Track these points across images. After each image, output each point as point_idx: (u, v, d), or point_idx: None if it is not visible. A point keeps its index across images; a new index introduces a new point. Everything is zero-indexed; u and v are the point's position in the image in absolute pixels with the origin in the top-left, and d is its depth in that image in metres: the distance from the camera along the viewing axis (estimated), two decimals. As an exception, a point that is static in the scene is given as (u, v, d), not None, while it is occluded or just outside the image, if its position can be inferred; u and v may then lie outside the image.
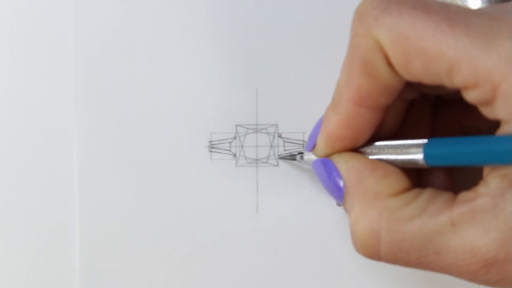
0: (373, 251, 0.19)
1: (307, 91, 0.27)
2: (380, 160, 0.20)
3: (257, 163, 0.27)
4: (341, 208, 0.27)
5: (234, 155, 0.27)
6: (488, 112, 0.17)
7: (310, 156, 0.23)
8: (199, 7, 0.27)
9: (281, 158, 0.27)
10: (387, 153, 0.20)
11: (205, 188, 0.27)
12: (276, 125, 0.27)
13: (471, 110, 0.18)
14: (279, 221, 0.27)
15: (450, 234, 0.17)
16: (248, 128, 0.27)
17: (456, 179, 0.22)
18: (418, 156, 0.19)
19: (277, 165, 0.27)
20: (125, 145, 0.27)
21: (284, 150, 0.27)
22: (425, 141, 0.19)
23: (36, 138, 0.27)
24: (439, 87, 0.18)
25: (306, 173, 0.27)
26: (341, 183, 0.20)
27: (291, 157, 0.26)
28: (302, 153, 0.25)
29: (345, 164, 0.20)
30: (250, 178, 0.27)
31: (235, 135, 0.27)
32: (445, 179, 0.22)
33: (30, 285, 0.27)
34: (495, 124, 0.17)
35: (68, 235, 0.27)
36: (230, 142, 0.27)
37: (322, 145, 0.21)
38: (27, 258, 0.27)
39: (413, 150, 0.19)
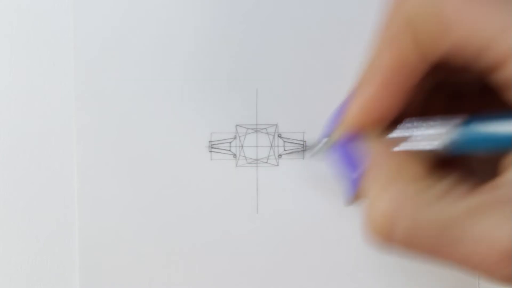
0: (387, 234, 0.18)
1: (307, 91, 0.27)
2: (403, 143, 0.20)
3: (257, 163, 0.27)
4: (341, 208, 0.27)
5: (234, 155, 0.27)
6: None
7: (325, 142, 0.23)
8: (199, 6, 0.27)
9: (309, 149, 0.26)
10: (413, 132, 0.20)
11: (205, 188, 0.27)
12: (276, 125, 0.27)
13: (482, 103, 0.18)
14: (279, 221, 0.27)
15: (468, 223, 0.17)
16: (248, 128, 0.27)
17: (478, 170, 0.21)
18: (447, 138, 0.19)
19: (277, 165, 0.27)
20: (125, 145, 0.27)
21: (284, 150, 0.27)
22: (458, 121, 0.18)
23: (36, 138, 0.27)
24: (465, 69, 0.17)
25: (306, 172, 0.27)
26: (363, 163, 0.20)
27: (318, 146, 0.24)
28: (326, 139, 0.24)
29: (371, 142, 0.20)
30: (250, 178, 0.27)
31: (235, 135, 0.27)
32: (467, 169, 0.22)
33: (30, 285, 0.27)
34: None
35: (68, 235, 0.27)
36: (230, 142, 0.27)
37: (351, 118, 0.20)
38: (27, 258, 0.27)
39: (443, 132, 0.19)
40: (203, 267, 0.27)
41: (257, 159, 0.27)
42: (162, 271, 0.27)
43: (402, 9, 0.18)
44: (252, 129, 0.27)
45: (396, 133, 0.20)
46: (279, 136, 0.27)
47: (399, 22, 0.18)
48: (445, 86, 0.22)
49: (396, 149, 0.19)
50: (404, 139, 0.20)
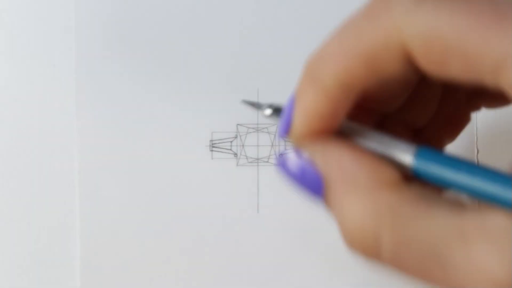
0: (372, 251, 0.16)
1: (308, 90, 0.27)
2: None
3: (258, 162, 0.27)
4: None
5: (235, 154, 0.27)
6: None
7: (279, 107, 0.20)
8: (200, 6, 0.27)
9: (243, 102, 0.23)
10: (373, 145, 0.17)
11: (206, 187, 0.27)
12: (277, 125, 0.27)
13: (480, 92, 0.16)
14: (279, 221, 0.27)
15: (459, 247, 0.15)
16: (249, 127, 0.27)
17: None
18: (408, 161, 0.16)
19: (278, 165, 0.27)
20: (126, 144, 0.27)
21: (285, 149, 0.27)
22: (415, 147, 0.16)
23: (36, 138, 0.27)
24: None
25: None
26: (320, 178, 0.17)
27: (255, 105, 0.22)
28: (272, 105, 0.21)
29: (323, 155, 0.17)
30: (251, 178, 0.27)
31: (236, 134, 0.27)
32: None
33: (31, 285, 0.27)
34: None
35: (69, 234, 0.27)
36: (231, 141, 0.27)
37: (299, 125, 0.18)
38: (28, 257, 0.27)
39: (403, 153, 0.17)
40: (203, 266, 0.27)
41: (258, 159, 0.27)
42: (162, 270, 0.27)
43: (395, 23, 0.15)
44: (253, 128, 0.27)
45: (357, 135, 0.18)
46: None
47: (388, 35, 0.16)
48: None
49: (360, 153, 0.17)
50: (365, 140, 0.18)
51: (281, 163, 0.19)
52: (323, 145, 0.17)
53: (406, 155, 0.16)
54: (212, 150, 0.27)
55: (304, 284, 0.27)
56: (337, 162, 0.17)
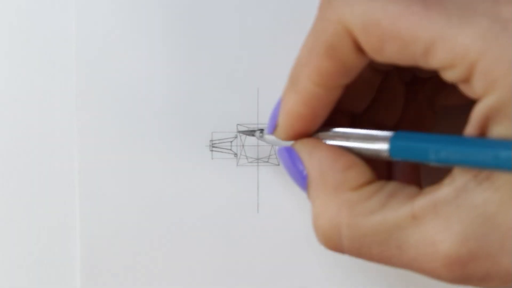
0: (335, 244, 0.19)
1: (308, 90, 0.27)
2: (345, 148, 0.20)
3: (258, 162, 0.27)
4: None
5: (235, 154, 0.27)
6: (468, 90, 0.16)
7: (271, 137, 0.23)
8: (200, 6, 0.27)
9: (240, 132, 0.27)
10: (352, 141, 0.20)
11: (206, 187, 0.27)
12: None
13: (445, 88, 0.18)
14: (279, 221, 0.27)
15: (411, 228, 0.17)
16: (249, 128, 0.27)
17: (425, 173, 0.22)
18: (384, 147, 0.18)
19: (278, 165, 0.27)
20: (126, 144, 0.27)
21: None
22: (391, 133, 0.18)
23: (36, 138, 0.27)
24: (414, 68, 0.17)
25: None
26: (305, 174, 0.20)
27: (250, 133, 0.26)
28: (262, 130, 0.25)
29: (309, 155, 0.20)
30: (251, 178, 0.27)
31: (236, 135, 0.27)
32: (413, 172, 0.22)
33: (31, 285, 0.27)
34: (468, 102, 0.17)
35: (69, 234, 0.27)
36: (231, 141, 0.27)
37: (283, 127, 0.21)
38: (28, 257, 0.27)
39: (380, 141, 0.19)
40: (203, 266, 0.27)
41: (258, 159, 0.27)
42: (162, 270, 0.27)
43: (341, 18, 0.17)
44: (253, 128, 0.27)
45: (338, 136, 0.20)
46: (280, 136, 0.27)
47: (337, 30, 0.18)
48: (404, 71, 0.22)
49: (337, 157, 0.19)
50: (346, 141, 0.20)
51: (281, 154, 0.22)
52: (311, 147, 0.20)
53: (382, 142, 0.19)
54: (212, 150, 0.27)
55: (304, 284, 0.27)
56: (318, 163, 0.19)
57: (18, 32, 0.27)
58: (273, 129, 0.22)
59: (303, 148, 0.20)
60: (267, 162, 0.27)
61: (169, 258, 0.27)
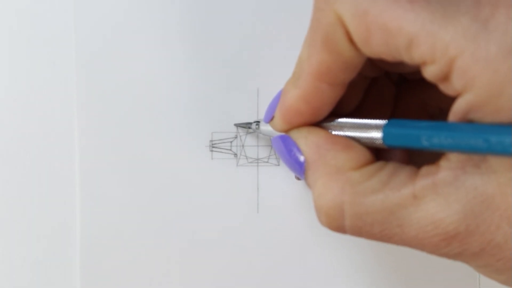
0: (337, 224, 0.19)
1: (308, 91, 0.27)
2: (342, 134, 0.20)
3: (258, 162, 0.27)
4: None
5: (235, 154, 0.27)
6: (447, 88, 0.17)
7: (267, 127, 0.23)
8: (200, 6, 0.27)
9: (236, 125, 0.27)
10: (346, 131, 0.20)
11: (206, 187, 0.27)
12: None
13: (433, 89, 0.18)
14: (279, 221, 0.27)
15: (412, 207, 0.17)
16: (249, 128, 0.27)
17: (417, 155, 0.22)
18: (377, 135, 0.19)
19: (278, 165, 0.27)
20: (126, 144, 0.27)
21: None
22: (384, 121, 0.19)
23: (36, 138, 0.27)
24: (400, 64, 0.18)
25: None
26: (302, 159, 0.20)
27: (247, 125, 0.26)
28: (258, 122, 0.25)
29: (305, 139, 0.20)
30: (251, 178, 0.27)
31: (236, 135, 0.27)
32: (406, 155, 0.22)
33: (31, 285, 0.27)
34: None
35: (69, 234, 0.27)
36: (231, 142, 0.27)
37: (280, 119, 0.21)
38: (28, 257, 0.27)
39: (373, 129, 0.19)
40: (203, 267, 0.27)
41: (258, 159, 0.27)
42: (162, 270, 0.27)
43: (334, 7, 0.18)
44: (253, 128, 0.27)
45: (333, 126, 0.21)
46: (280, 136, 0.27)
47: (331, 20, 0.18)
48: (393, 74, 0.23)
49: (335, 139, 0.20)
50: (340, 128, 0.20)
51: (275, 142, 0.22)
52: (306, 132, 0.20)
53: (376, 131, 0.19)
54: (212, 150, 0.27)
55: (304, 283, 0.27)
56: (315, 146, 0.20)
57: (18, 32, 0.27)
58: (270, 119, 0.22)
59: (299, 134, 0.21)
60: (267, 162, 0.27)
61: (169, 258, 0.27)
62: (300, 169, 0.20)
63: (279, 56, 0.27)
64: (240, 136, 0.27)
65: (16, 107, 0.27)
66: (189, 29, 0.27)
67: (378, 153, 0.22)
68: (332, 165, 0.19)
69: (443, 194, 0.17)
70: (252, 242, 0.27)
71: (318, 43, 0.19)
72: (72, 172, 0.27)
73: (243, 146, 0.27)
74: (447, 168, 0.17)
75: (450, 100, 0.17)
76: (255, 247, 0.27)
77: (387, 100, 0.23)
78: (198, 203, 0.27)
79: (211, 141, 0.27)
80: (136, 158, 0.27)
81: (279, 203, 0.27)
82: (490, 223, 0.16)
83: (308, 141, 0.20)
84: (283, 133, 0.22)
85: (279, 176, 0.27)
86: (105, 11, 0.27)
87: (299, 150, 0.20)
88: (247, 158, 0.27)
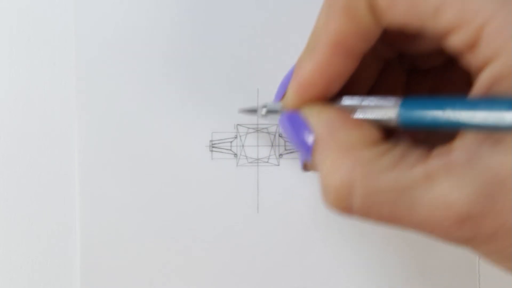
0: (345, 204, 0.18)
1: (308, 91, 0.27)
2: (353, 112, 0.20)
3: (258, 162, 0.27)
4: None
5: (235, 154, 0.27)
6: (473, 58, 0.16)
7: (275, 108, 0.22)
8: (200, 6, 0.27)
9: (241, 111, 0.25)
10: (359, 110, 0.19)
11: (206, 187, 0.27)
12: (277, 125, 0.27)
13: (444, 78, 0.17)
14: (279, 221, 0.27)
15: (424, 187, 0.17)
16: (249, 128, 0.27)
17: (431, 136, 0.22)
18: (392, 114, 0.18)
19: (278, 165, 0.27)
20: (126, 144, 0.27)
21: (285, 149, 0.27)
22: (399, 99, 0.18)
23: (36, 138, 0.27)
24: (418, 40, 0.17)
25: (307, 172, 0.27)
26: (311, 138, 0.19)
27: (252, 110, 0.24)
28: (265, 105, 0.24)
29: (316, 117, 0.19)
30: (251, 178, 0.27)
31: (236, 135, 0.27)
32: (420, 136, 0.22)
33: (31, 285, 0.27)
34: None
35: (69, 235, 0.27)
36: (231, 142, 0.27)
37: (293, 94, 0.20)
38: (28, 257, 0.27)
39: (387, 108, 0.19)
40: (203, 266, 0.27)
41: (258, 159, 0.27)
42: (162, 270, 0.27)
43: None
44: (253, 128, 0.27)
45: (345, 104, 0.20)
46: (280, 135, 0.27)
47: None
48: (406, 60, 0.22)
49: (347, 117, 0.19)
50: (353, 108, 0.20)
51: (283, 121, 0.21)
52: (319, 109, 0.20)
53: (391, 109, 0.18)
54: (212, 150, 0.27)
55: (304, 284, 0.27)
56: (327, 123, 0.19)
57: (19, 32, 0.27)
58: (282, 97, 0.21)
59: (311, 111, 0.20)
60: (267, 162, 0.27)
61: (169, 258, 0.27)
62: (308, 148, 0.19)
63: (279, 56, 0.27)
64: (240, 136, 0.27)
65: (16, 107, 0.27)
66: (189, 30, 0.27)
67: (393, 132, 0.21)
68: (343, 142, 0.18)
69: (456, 174, 0.16)
70: (252, 242, 0.27)
71: (337, 9, 0.18)
72: (72, 172, 0.27)
73: (243, 146, 0.27)
74: (461, 148, 0.16)
75: (461, 88, 0.17)
76: (255, 247, 0.27)
77: (398, 88, 0.23)
78: (198, 203, 0.27)
79: (211, 141, 0.27)
80: (136, 158, 0.27)
81: (279, 203, 0.27)
82: (504, 205, 0.16)
83: (320, 118, 0.19)
84: (291, 111, 0.21)
85: (279, 176, 0.27)
86: (105, 11, 0.27)
87: (308, 128, 0.19)
88: (247, 158, 0.27)
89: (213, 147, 0.27)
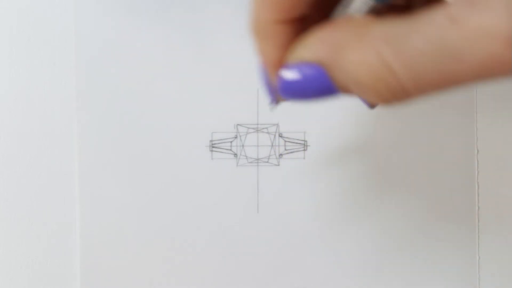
0: (393, 86, 0.16)
1: (308, 91, 0.27)
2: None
3: (258, 162, 0.27)
4: (341, 208, 0.27)
5: (235, 154, 0.27)
6: None
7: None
8: (200, 6, 0.27)
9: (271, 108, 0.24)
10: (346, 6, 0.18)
11: (206, 187, 0.27)
12: (277, 125, 0.27)
13: None
14: (279, 221, 0.27)
15: (455, 31, 0.15)
16: (249, 128, 0.27)
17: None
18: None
19: (278, 165, 0.27)
20: (126, 145, 0.27)
21: (285, 149, 0.27)
22: None
23: (36, 138, 0.27)
24: None
25: (307, 172, 0.27)
26: (320, 65, 0.17)
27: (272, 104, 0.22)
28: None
29: (309, 46, 0.18)
30: (251, 178, 0.27)
31: (236, 135, 0.27)
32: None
33: (31, 285, 0.27)
34: None
35: (69, 234, 0.27)
36: (231, 142, 0.27)
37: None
38: (28, 257, 0.27)
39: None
40: (203, 266, 0.27)
41: (258, 159, 0.27)
42: (162, 270, 0.27)
43: None
44: (253, 128, 0.27)
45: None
46: (280, 135, 0.27)
47: None
48: None
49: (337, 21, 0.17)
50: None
51: (282, 83, 0.19)
52: (305, 39, 0.18)
53: None
54: (212, 150, 0.27)
55: (304, 284, 0.27)
56: (324, 41, 0.17)
57: (19, 32, 0.27)
58: (273, 94, 0.20)
59: (294, 49, 0.18)
60: (267, 162, 0.27)
61: (169, 258, 0.27)
62: (323, 80, 0.17)
63: (279, 56, 0.27)
64: (240, 136, 0.27)
65: (16, 107, 0.27)
66: (189, 29, 0.27)
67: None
68: (358, 26, 0.17)
69: (480, 3, 0.15)
70: (252, 242, 0.27)
71: None
72: (72, 172, 0.27)
73: (243, 146, 0.27)
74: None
75: None
76: (255, 247, 0.27)
77: None
78: (198, 203, 0.27)
79: (211, 141, 0.27)
80: (136, 158, 0.27)
81: (279, 203, 0.27)
82: None
83: (308, 43, 0.18)
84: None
85: (279, 176, 0.27)
86: (105, 11, 0.27)
87: (309, 62, 0.17)
88: (247, 158, 0.27)
89: (213, 147, 0.27)
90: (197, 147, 0.27)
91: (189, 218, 0.27)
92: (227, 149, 0.27)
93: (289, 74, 0.18)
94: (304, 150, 0.27)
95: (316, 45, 0.17)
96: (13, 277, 0.27)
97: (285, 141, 0.27)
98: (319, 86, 0.17)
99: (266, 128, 0.27)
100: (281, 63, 0.18)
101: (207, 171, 0.27)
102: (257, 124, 0.27)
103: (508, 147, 0.27)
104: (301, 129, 0.27)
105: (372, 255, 0.27)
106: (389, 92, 0.17)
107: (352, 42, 0.17)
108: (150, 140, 0.27)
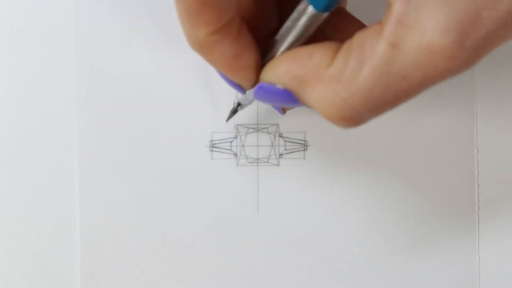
0: (350, 114, 0.18)
1: (308, 91, 0.27)
2: (290, 47, 0.20)
3: (258, 162, 0.27)
4: (341, 208, 0.27)
5: (235, 154, 0.27)
6: None
7: (242, 97, 0.23)
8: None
9: (228, 120, 0.26)
10: (288, 35, 0.19)
11: (206, 187, 0.27)
12: (277, 125, 0.27)
13: None
14: (279, 221, 0.27)
15: (397, 54, 0.17)
16: (249, 128, 0.27)
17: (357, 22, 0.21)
18: (308, 11, 0.18)
19: (278, 165, 0.27)
20: (126, 144, 0.27)
21: (285, 149, 0.27)
22: None
23: (36, 138, 0.27)
24: None
25: (307, 172, 0.27)
26: (286, 90, 0.19)
27: (233, 112, 0.26)
28: (239, 104, 0.25)
29: (275, 73, 0.19)
30: (251, 178, 0.27)
31: (236, 135, 0.27)
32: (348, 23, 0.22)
33: (31, 285, 0.27)
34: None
35: (69, 234, 0.27)
36: (231, 142, 0.27)
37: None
38: (28, 257, 0.27)
39: (301, 8, 0.19)
40: (203, 266, 0.27)
41: (258, 159, 0.27)
42: (162, 270, 0.27)
43: None
44: (253, 128, 0.27)
45: (277, 42, 0.20)
46: (280, 135, 0.27)
47: None
48: None
49: (294, 54, 0.19)
50: (286, 42, 0.20)
51: (257, 88, 0.20)
52: (271, 66, 0.20)
53: (304, 7, 0.18)
54: (212, 150, 0.27)
55: (303, 284, 0.27)
56: (285, 70, 0.19)
57: (19, 32, 0.27)
58: (241, 87, 0.21)
59: (266, 73, 0.20)
60: (267, 162, 0.27)
61: (169, 258, 0.27)
62: (292, 99, 0.20)
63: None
64: (240, 136, 0.27)
65: (16, 107, 0.27)
66: (189, 29, 0.27)
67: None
68: (309, 77, 0.18)
69: (410, 22, 0.16)
70: (252, 242, 0.27)
71: None
72: (72, 172, 0.27)
73: (243, 146, 0.27)
74: (397, 3, 0.16)
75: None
76: (255, 247, 0.27)
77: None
78: (198, 203, 0.27)
79: (211, 141, 0.27)
80: (136, 158, 0.27)
81: (279, 203, 0.27)
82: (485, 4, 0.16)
83: (276, 71, 0.19)
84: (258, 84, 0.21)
85: (279, 176, 0.27)
86: (105, 11, 0.27)
87: (277, 87, 0.20)
88: (247, 158, 0.27)
89: (213, 147, 0.27)
90: (197, 147, 0.27)
91: (189, 218, 0.27)
92: (227, 149, 0.27)
93: (264, 86, 0.20)
94: (304, 150, 0.27)
95: (284, 76, 0.19)
96: (13, 277, 0.27)
97: (285, 141, 0.27)
98: (288, 99, 0.20)
99: (266, 128, 0.27)
100: (236, 60, 0.20)
101: (207, 171, 0.27)
102: (257, 124, 0.27)
103: (508, 147, 0.27)
104: (301, 129, 0.27)
105: (372, 255, 0.27)
106: (347, 119, 0.18)
107: (313, 81, 0.18)
108: (150, 140, 0.27)
